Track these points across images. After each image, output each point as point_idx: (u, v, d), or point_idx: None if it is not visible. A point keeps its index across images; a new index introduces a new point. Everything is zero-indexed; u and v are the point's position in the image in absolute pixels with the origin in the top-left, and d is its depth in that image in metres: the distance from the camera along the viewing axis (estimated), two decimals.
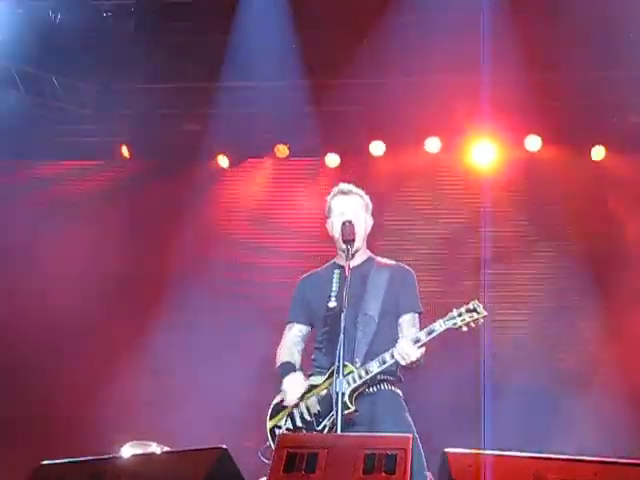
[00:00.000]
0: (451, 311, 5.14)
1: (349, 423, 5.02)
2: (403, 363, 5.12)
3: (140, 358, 9.02)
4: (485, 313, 5.12)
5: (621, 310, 9.01)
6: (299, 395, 5.29)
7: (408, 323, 5.37)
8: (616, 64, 8.68)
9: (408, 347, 5.09)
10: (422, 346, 5.11)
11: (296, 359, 5.51)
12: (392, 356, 5.13)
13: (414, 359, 5.10)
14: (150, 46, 8.98)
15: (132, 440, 7.11)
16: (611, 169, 9.29)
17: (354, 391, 5.16)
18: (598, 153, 9.30)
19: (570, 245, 9.22)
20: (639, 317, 8.90)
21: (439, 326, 5.12)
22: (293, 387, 5.32)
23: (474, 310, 5.13)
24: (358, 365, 5.20)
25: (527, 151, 9.32)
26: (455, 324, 5.11)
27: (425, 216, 9.56)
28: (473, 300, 5.17)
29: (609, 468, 3.76)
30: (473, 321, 5.12)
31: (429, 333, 5.12)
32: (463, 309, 5.13)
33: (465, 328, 5.13)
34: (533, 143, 9.27)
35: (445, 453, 3.84)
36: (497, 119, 8.97)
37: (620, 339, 8.96)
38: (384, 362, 5.16)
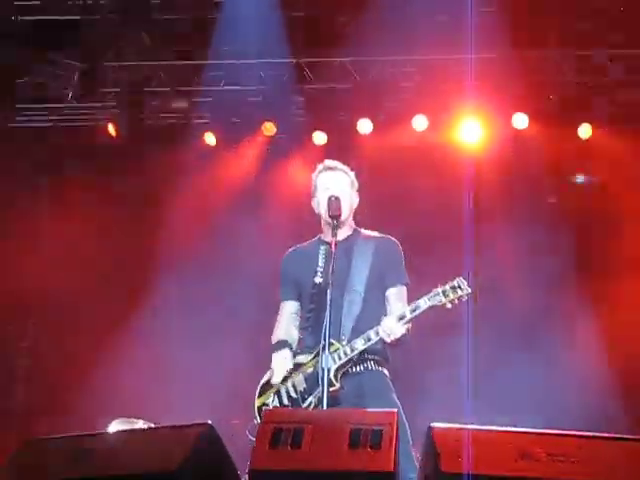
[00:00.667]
0: (435, 287, 5.10)
1: (334, 401, 4.98)
2: (388, 340, 5.09)
3: (130, 335, 9.03)
4: (469, 290, 5.07)
5: (605, 281, 9.10)
6: (286, 372, 5.28)
7: (395, 296, 5.32)
8: (602, 41, 8.70)
9: (393, 324, 5.06)
10: (407, 323, 5.09)
11: (293, 337, 5.48)
12: (377, 333, 5.10)
13: (399, 336, 5.07)
14: (137, 23, 8.94)
15: (119, 417, 7.12)
16: (598, 146, 9.32)
17: (339, 368, 5.13)
18: (585, 131, 9.32)
19: (557, 221, 9.24)
20: (623, 286, 8.98)
21: (423, 303, 5.07)
22: (280, 364, 5.32)
23: (458, 287, 5.07)
24: (344, 342, 5.16)
25: (514, 129, 9.32)
26: (440, 301, 5.06)
27: (412, 194, 9.54)
28: (457, 277, 5.11)
29: (593, 442, 3.78)
30: (457, 298, 5.07)
31: (413, 310, 5.08)
32: (447, 286, 5.08)
33: (449, 305, 5.08)
34: (520, 121, 9.27)
35: (430, 428, 3.84)
36: (484, 97, 8.97)
37: (606, 308, 9.05)
38: (369, 339, 5.13)
